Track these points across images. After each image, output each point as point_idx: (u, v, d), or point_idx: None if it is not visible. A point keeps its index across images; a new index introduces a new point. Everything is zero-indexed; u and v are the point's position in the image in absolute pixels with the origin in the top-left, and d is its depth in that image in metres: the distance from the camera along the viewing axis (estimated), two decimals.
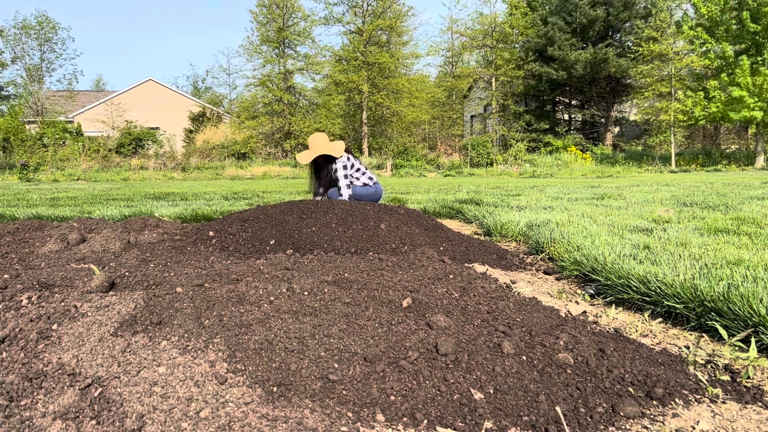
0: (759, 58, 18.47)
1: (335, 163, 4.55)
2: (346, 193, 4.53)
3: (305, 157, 4.62)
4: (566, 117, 30.86)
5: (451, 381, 1.56)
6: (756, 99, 18.08)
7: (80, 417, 1.33)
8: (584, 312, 2.37)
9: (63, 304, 1.87)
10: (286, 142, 27.83)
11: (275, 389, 1.47)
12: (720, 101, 18.70)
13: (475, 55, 33.01)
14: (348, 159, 4.60)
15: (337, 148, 4.55)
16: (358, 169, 4.67)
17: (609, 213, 5.02)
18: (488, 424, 1.42)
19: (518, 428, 1.42)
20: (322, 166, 4.69)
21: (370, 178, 4.76)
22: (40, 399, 1.39)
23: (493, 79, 28.95)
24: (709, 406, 1.56)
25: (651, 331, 2.14)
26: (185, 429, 1.30)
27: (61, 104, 32.66)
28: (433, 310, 2.01)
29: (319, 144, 4.56)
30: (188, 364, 1.53)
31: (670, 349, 1.96)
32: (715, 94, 18.88)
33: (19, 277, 2.28)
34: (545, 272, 3.20)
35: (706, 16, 19.43)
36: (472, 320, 1.97)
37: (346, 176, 4.54)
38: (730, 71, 18.79)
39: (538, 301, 2.32)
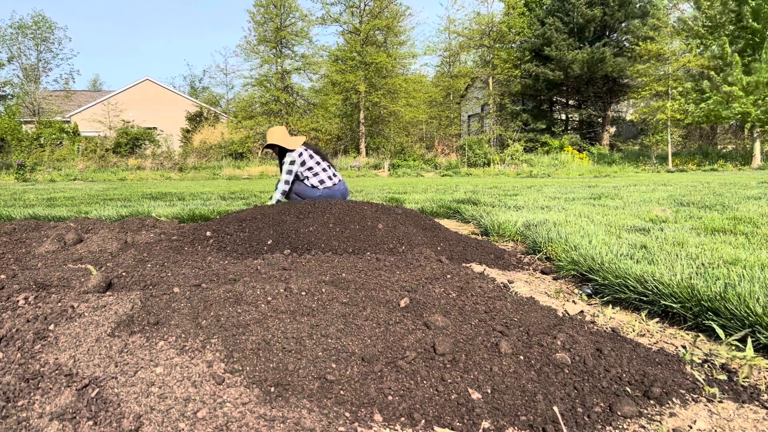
0: (757, 56, 18.51)
1: (286, 156, 4.48)
2: (281, 187, 4.44)
3: (259, 148, 4.55)
4: (563, 117, 30.89)
5: (449, 381, 1.56)
6: (752, 97, 18.12)
7: (77, 418, 1.32)
8: (581, 312, 2.37)
9: (60, 304, 1.87)
10: None
11: (273, 389, 1.47)
12: (715, 100, 18.75)
13: (472, 54, 33.04)
14: (300, 155, 4.47)
15: (291, 142, 4.47)
16: (310, 168, 4.48)
17: (606, 213, 5.03)
18: (486, 424, 1.42)
19: (516, 428, 1.42)
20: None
21: (321, 182, 4.51)
22: (36, 399, 1.39)
23: (491, 79, 28.97)
24: (706, 405, 1.56)
25: (648, 331, 2.15)
26: (183, 429, 1.30)
27: (57, 104, 32.60)
28: (431, 310, 2.01)
29: (274, 135, 4.52)
30: (186, 365, 1.53)
31: (668, 348, 1.96)
32: (710, 93, 18.93)
33: (15, 278, 2.27)
34: (542, 272, 3.20)
35: (707, 12, 19.47)
36: (470, 320, 1.97)
37: (290, 171, 4.44)
38: (727, 70, 18.83)
39: (536, 301, 2.32)
